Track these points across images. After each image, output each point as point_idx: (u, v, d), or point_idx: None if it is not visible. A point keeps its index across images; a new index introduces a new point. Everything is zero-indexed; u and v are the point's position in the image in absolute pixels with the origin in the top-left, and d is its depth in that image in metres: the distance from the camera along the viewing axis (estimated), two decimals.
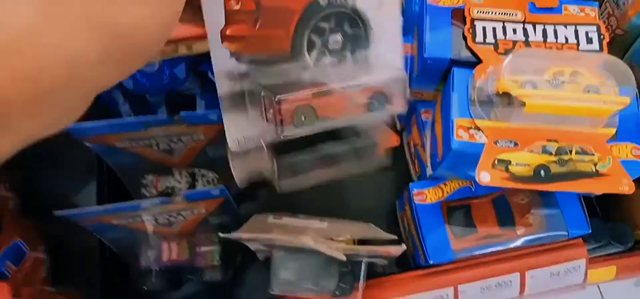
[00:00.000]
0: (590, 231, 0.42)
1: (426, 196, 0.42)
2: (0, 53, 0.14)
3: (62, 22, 0.15)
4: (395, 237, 0.41)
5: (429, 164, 0.43)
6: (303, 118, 0.28)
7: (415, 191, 0.42)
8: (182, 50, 0.35)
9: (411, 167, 0.52)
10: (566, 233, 0.42)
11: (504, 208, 0.45)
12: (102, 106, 0.43)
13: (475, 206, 0.45)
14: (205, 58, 0.37)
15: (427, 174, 0.43)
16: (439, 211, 0.42)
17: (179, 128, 0.40)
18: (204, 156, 0.44)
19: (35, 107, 0.15)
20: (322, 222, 0.43)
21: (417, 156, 0.48)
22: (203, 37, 0.33)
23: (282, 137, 0.28)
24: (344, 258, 0.37)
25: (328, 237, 0.39)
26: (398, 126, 0.53)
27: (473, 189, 0.43)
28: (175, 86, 0.40)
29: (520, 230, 0.44)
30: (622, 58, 0.45)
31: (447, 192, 0.43)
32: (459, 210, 0.45)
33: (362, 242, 0.41)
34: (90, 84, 0.17)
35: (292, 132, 0.28)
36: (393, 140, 0.53)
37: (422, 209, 0.42)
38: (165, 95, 0.44)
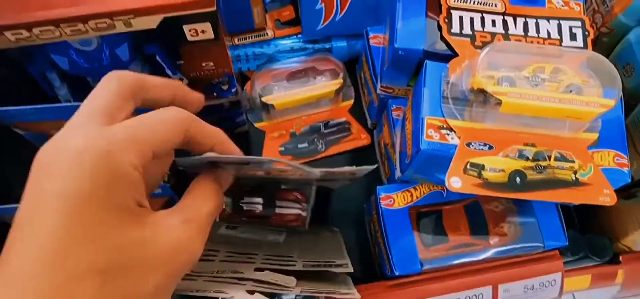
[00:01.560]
0: (567, 243, 0.39)
1: (394, 200, 0.39)
2: None
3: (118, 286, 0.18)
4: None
5: (397, 166, 0.39)
6: None
7: (382, 194, 0.39)
8: (120, 26, 0.31)
9: (381, 168, 0.48)
10: (542, 245, 0.39)
11: (477, 216, 0.42)
12: (39, 89, 0.38)
13: (446, 213, 0.42)
14: (150, 38, 0.34)
15: (396, 177, 0.40)
16: (406, 217, 0.39)
17: None
18: None
19: None
20: (279, 235, 0.39)
21: (387, 156, 0.45)
22: (144, 10, 0.30)
23: None
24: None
25: (278, 262, 0.34)
26: (369, 123, 0.50)
27: (444, 195, 0.39)
28: (117, 67, 0.36)
29: (493, 240, 0.41)
30: (607, 57, 0.43)
31: (417, 196, 0.39)
32: (429, 217, 0.42)
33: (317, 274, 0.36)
34: None
35: None
36: (363, 139, 0.50)
37: (389, 214, 0.39)
38: None
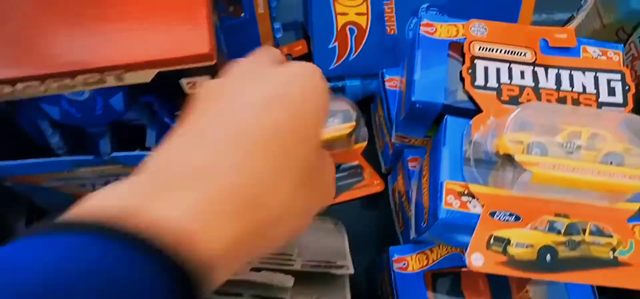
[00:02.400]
0: None
1: (408, 263, 0.36)
2: (268, 221, 0.18)
3: (305, 194, 0.20)
4: None
5: (413, 225, 0.36)
6: None
7: (395, 256, 0.36)
8: (111, 81, 0.28)
9: (395, 218, 0.45)
10: None
11: (500, 279, 0.39)
12: (28, 137, 0.36)
13: (465, 275, 0.38)
14: (147, 88, 0.31)
15: (410, 236, 0.36)
16: (421, 282, 0.36)
17: (114, 168, 0.34)
18: None
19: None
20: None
21: (401, 207, 0.41)
22: (136, 65, 0.27)
23: None
24: None
25: (276, 260, 0.33)
26: (383, 168, 0.47)
27: (464, 257, 0.36)
28: (112, 117, 0.33)
29: None
30: None
31: (433, 259, 0.36)
32: (446, 278, 0.38)
33: None
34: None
35: None
36: (376, 185, 0.47)
37: (401, 279, 0.35)
38: (109, 126, 0.37)
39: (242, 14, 0.39)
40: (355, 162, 0.47)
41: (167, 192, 0.16)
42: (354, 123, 0.44)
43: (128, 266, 0.13)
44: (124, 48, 0.27)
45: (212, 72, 0.28)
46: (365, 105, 0.48)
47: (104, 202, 0.15)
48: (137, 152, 0.32)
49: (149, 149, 0.35)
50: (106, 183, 0.35)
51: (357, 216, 0.47)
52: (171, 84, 0.29)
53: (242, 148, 0.18)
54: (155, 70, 0.27)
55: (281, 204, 0.18)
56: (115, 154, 0.31)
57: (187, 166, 0.17)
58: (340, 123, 0.44)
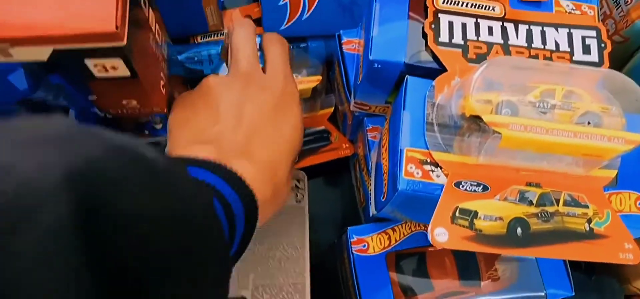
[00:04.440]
0: (572, 293, 0.33)
1: (368, 245, 0.32)
2: (278, 189, 0.27)
3: (288, 181, 0.29)
4: None
5: (372, 200, 0.33)
6: None
7: (354, 238, 0.32)
8: None
9: (356, 194, 0.41)
10: (543, 294, 0.33)
11: (467, 256, 0.36)
12: None
13: (431, 254, 0.35)
14: (54, 66, 0.26)
15: (370, 213, 0.33)
16: (383, 265, 0.32)
17: None
18: None
19: None
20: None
21: (362, 182, 0.38)
22: (25, 40, 0.22)
23: None
24: None
25: None
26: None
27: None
28: (16, 96, 0.28)
29: (486, 286, 0.35)
30: (620, 70, 0.36)
31: (396, 239, 0.33)
32: (410, 259, 0.35)
33: None
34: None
35: None
36: (345, 149, 0.43)
37: (361, 262, 0.32)
38: (25, 106, 0.32)
39: None
40: (322, 127, 0.43)
41: (236, 162, 0.24)
42: (319, 77, 0.40)
43: (228, 190, 0.22)
44: (11, 18, 0.21)
45: (123, 54, 0.23)
46: (331, 71, 0.44)
47: (203, 154, 0.24)
48: None
49: None
50: None
51: (320, 193, 0.44)
52: (77, 68, 0.24)
53: (260, 136, 0.27)
54: (50, 48, 0.22)
55: (286, 176, 0.27)
56: None
57: (237, 146, 0.26)
58: (306, 76, 0.40)
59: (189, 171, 0.22)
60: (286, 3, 0.37)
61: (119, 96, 0.27)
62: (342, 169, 0.44)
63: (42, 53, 0.22)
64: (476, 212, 0.25)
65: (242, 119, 0.27)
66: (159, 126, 0.32)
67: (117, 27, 0.22)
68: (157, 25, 0.29)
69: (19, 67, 0.26)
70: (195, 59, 0.41)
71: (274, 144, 0.27)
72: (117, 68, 0.24)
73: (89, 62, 0.23)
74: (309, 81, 0.37)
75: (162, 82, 0.29)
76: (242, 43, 0.30)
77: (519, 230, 0.25)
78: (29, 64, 0.27)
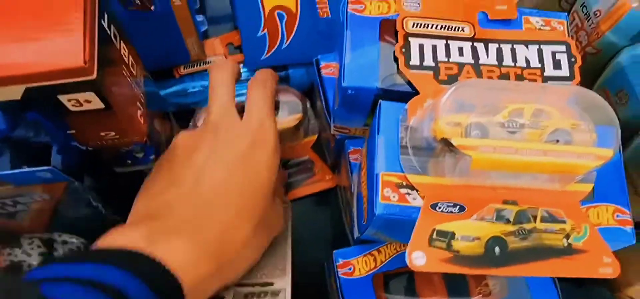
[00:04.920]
0: None
1: (354, 267, 0.32)
2: (233, 258, 0.26)
3: (260, 233, 0.28)
4: None
5: (355, 224, 0.33)
6: None
7: (340, 261, 0.32)
8: None
9: (343, 216, 0.42)
10: None
11: (456, 274, 0.36)
12: None
13: (419, 274, 0.35)
14: (29, 104, 0.26)
15: (355, 235, 0.33)
16: (369, 286, 0.32)
17: (7, 189, 0.29)
18: (62, 218, 0.33)
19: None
20: None
21: (347, 203, 0.38)
22: (3, 79, 0.22)
23: None
24: None
25: None
26: (328, 163, 0.43)
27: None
28: None
29: None
30: (593, 83, 0.37)
31: (381, 261, 0.33)
32: (400, 279, 0.35)
33: None
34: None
35: None
36: (328, 180, 0.43)
37: (348, 286, 0.32)
38: (7, 144, 0.32)
39: (152, 7, 0.35)
40: (306, 157, 0.44)
41: (166, 239, 0.22)
42: (300, 115, 0.40)
43: (140, 287, 0.20)
44: None
45: (96, 87, 0.23)
46: (313, 96, 0.45)
47: (122, 242, 0.22)
48: (23, 171, 0.27)
49: (54, 167, 0.30)
50: (2, 206, 0.31)
51: (307, 215, 0.44)
52: (51, 103, 0.25)
53: (213, 205, 0.25)
54: (22, 86, 0.22)
55: (241, 245, 0.26)
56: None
57: (176, 219, 0.24)
58: (286, 116, 0.40)
59: (85, 271, 0.20)
60: (265, 34, 0.38)
61: (97, 129, 0.28)
62: (329, 190, 0.44)
63: (15, 92, 0.23)
64: (453, 234, 0.26)
65: (199, 181, 0.26)
66: (140, 155, 0.32)
67: (85, 62, 0.22)
68: (130, 57, 0.29)
69: None
70: (181, 93, 0.42)
71: (232, 206, 0.26)
72: (91, 101, 0.24)
73: (63, 98, 0.24)
74: (289, 121, 0.37)
75: (139, 112, 0.30)
76: (216, 89, 0.29)
77: (496, 249, 0.26)
78: (3, 104, 0.27)
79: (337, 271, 0.33)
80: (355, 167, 0.35)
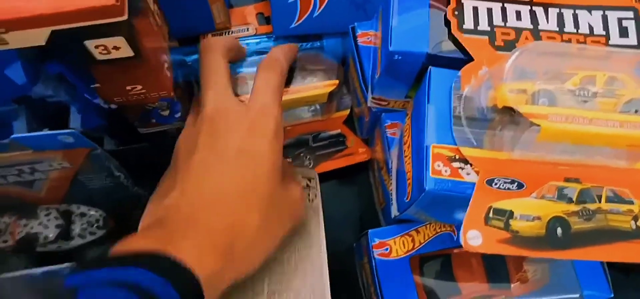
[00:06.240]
0: (611, 294, 0.31)
1: (390, 248, 0.30)
2: (245, 249, 0.25)
3: (272, 220, 0.26)
4: None
5: (394, 200, 0.31)
6: None
7: (375, 241, 0.30)
8: None
9: (375, 194, 0.40)
10: (578, 295, 0.31)
11: (495, 256, 0.34)
12: None
13: (457, 257, 0.33)
14: (52, 53, 0.24)
15: (392, 214, 0.31)
16: (407, 268, 0.30)
17: (25, 155, 0.27)
18: (81, 189, 0.31)
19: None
20: None
21: (380, 181, 0.36)
22: (19, 21, 0.20)
23: None
24: None
25: None
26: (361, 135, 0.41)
27: (455, 238, 0.31)
28: (15, 92, 0.27)
29: (516, 288, 0.33)
30: None
31: (420, 242, 0.31)
32: (435, 262, 0.33)
33: None
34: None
35: None
36: (361, 153, 0.41)
37: (384, 267, 0.30)
38: (24, 105, 0.30)
39: None
40: (337, 131, 0.41)
41: (176, 241, 0.22)
42: (336, 81, 0.37)
43: (165, 286, 0.20)
44: (4, 1, 0.20)
45: (126, 31, 0.22)
46: (345, 70, 0.42)
47: (138, 246, 0.22)
48: (42, 133, 0.25)
49: (73, 129, 0.28)
50: (19, 173, 0.29)
51: (335, 193, 0.42)
52: (77, 51, 0.22)
53: (217, 201, 0.24)
54: (48, 29, 0.20)
55: (251, 234, 0.25)
56: (15, 135, 0.25)
57: (183, 220, 0.24)
58: (319, 81, 0.38)
59: (114, 275, 0.20)
60: (297, 0, 0.35)
61: (123, 81, 0.26)
62: (357, 168, 0.42)
63: (39, 36, 0.20)
64: (511, 212, 0.23)
65: (201, 180, 0.25)
66: (166, 112, 0.30)
67: (117, 0, 0.20)
68: (156, 5, 0.27)
69: (16, 59, 0.25)
70: None
71: (236, 198, 0.25)
72: (120, 48, 0.22)
73: (90, 44, 0.22)
74: (325, 86, 0.35)
75: (166, 64, 0.28)
76: (207, 76, 0.28)
77: (559, 230, 0.23)
78: (26, 54, 0.25)
79: (372, 252, 0.31)
80: (393, 142, 0.33)
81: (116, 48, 0.22)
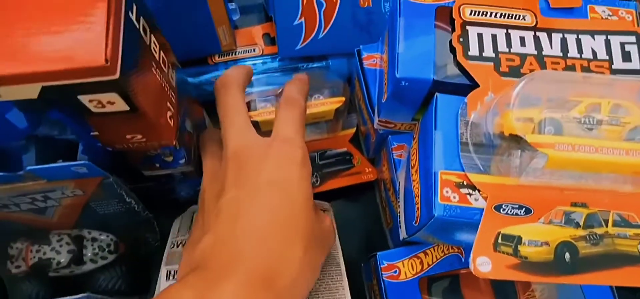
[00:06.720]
0: None
1: (399, 270, 0.31)
2: (289, 285, 0.23)
3: (313, 250, 0.25)
4: None
5: (402, 223, 0.31)
6: None
7: (384, 264, 0.31)
8: None
9: (382, 214, 0.40)
10: None
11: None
12: None
13: (465, 277, 0.34)
14: (51, 101, 0.24)
15: (400, 236, 0.31)
16: (415, 290, 0.31)
17: (38, 184, 0.27)
18: (92, 214, 0.32)
19: None
20: None
21: (387, 202, 0.36)
22: (10, 78, 0.20)
23: None
24: None
25: None
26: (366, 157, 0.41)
27: (463, 260, 0.31)
28: (18, 134, 0.27)
29: None
30: None
31: (428, 264, 0.31)
32: (443, 282, 0.33)
33: None
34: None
35: None
36: (368, 173, 0.41)
37: (393, 289, 0.30)
38: (33, 141, 0.31)
39: None
40: (343, 149, 0.42)
41: (216, 287, 0.22)
42: (342, 98, 0.38)
43: None
44: None
45: (118, 88, 0.21)
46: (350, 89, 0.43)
47: (179, 296, 0.21)
48: (58, 165, 0.25)
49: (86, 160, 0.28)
50: (32, 201, 0.29)
51: (343, 212, 0.42)
52: (72, 103, 0.22)
53: (255, 240, 0.23)
54: (38, 85, 0.20)
55: (295, 268, 0.23)
56: (30, 167, 0.25)
57: (221, 264, 0.23)
58: (326, 98, 0.38)
59: None
60: (302, 22, 0.36)
61: (122, 131, 0.25)
62: (363, 187, 0.42)
63: (31, 91, 0.20)
64: (520, 238, 0.24)
65: (234, 222, 0.24)
66: (169, 159, 0.30)
67: (107, 60, 0.19)
68: (161, 52, 0.27)
69: (12, 106, 0.25)
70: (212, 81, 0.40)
71: (274, 233, 0.24)
72: (114, 103, 0.22)
73: (83, 98, 0.22)
74: (332, 103, 0.35)
75: (169, 113, 0.27)
76: (227, 114, 0.27)
77: (567, 255, 0.24)
78: (22, 103, 0.25)
79: (381, 275, 0.31)
80: (399, 164, 0.34)
81: (110, 103, 0.22)
